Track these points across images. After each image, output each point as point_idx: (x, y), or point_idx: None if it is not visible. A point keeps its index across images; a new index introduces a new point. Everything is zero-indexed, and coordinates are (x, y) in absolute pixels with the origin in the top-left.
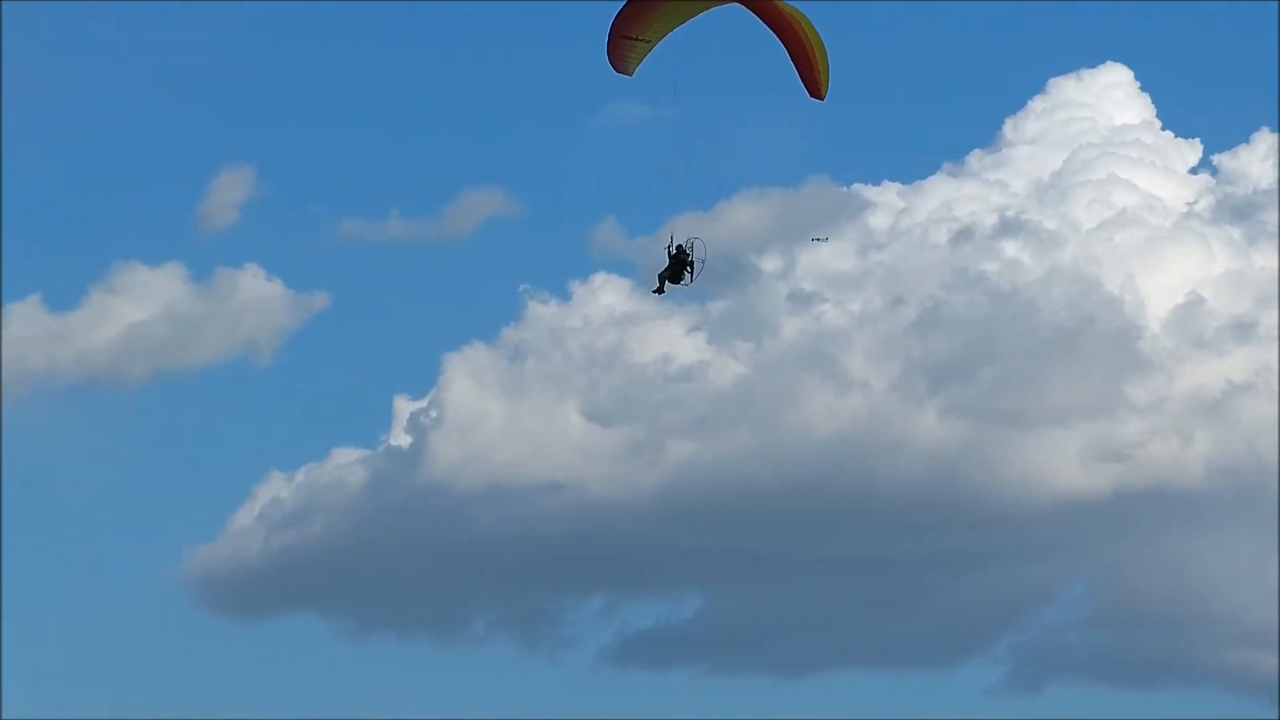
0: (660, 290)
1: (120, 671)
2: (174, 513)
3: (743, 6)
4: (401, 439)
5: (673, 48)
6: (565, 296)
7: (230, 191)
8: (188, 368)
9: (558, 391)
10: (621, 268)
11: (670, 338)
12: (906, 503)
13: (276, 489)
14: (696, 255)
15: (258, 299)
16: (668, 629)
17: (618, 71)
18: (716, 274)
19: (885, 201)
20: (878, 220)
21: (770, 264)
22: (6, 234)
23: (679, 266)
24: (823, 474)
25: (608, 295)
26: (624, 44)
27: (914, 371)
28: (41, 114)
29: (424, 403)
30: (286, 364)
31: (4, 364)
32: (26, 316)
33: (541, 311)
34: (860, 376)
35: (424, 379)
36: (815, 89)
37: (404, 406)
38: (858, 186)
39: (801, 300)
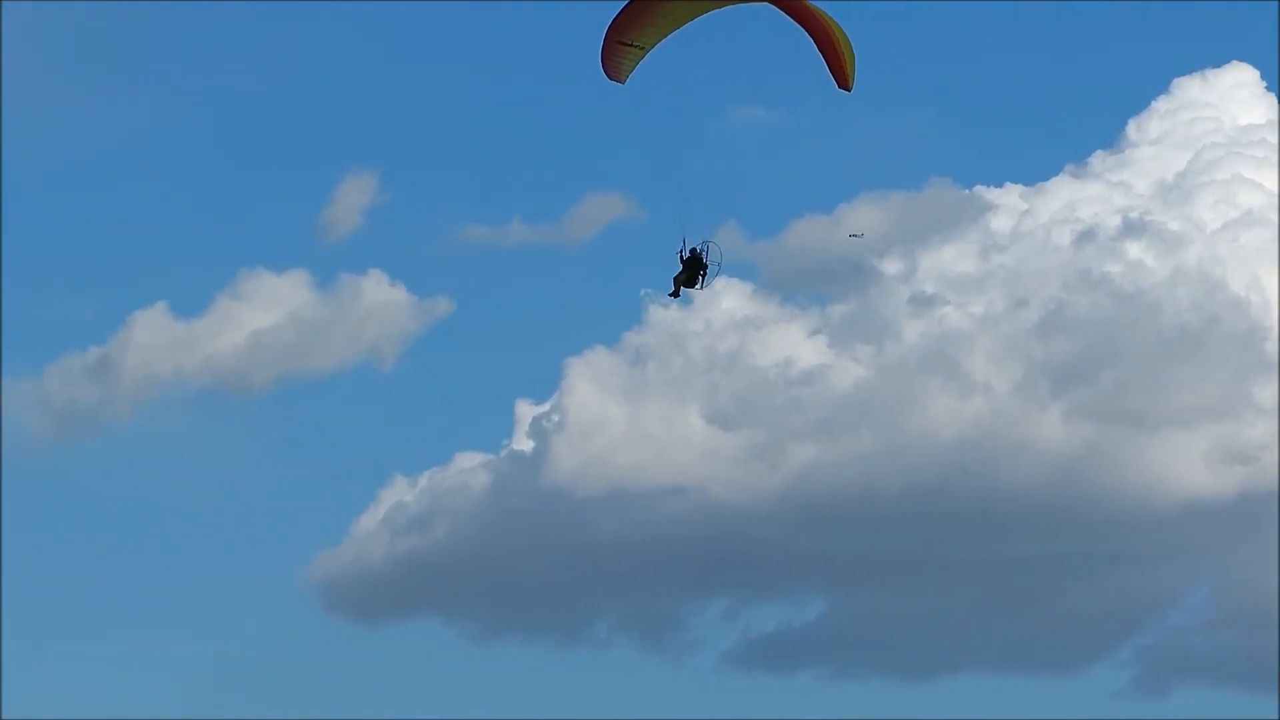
0: (676, 294)
1: (246, 676)
2: (299, 517)
3: (745, 6)
4: (524, 443)
5: (794, 51)
6: (686, 300)
7: (353, 197)
8: (312, 373)
9: (679, 395)
10: (743, 271)
11: (791, 341)
12: (1030, 505)
13: (400, 493)
14: (711, 258)
15: (381, 305)
16: (791, 632)
17: (610, 79)
18: (837, 276)
19: (1007, 203)
20: (1000, 222)
21: (891, 266)
22: (134, 241)
23: (694, 270)
24: (945, 477)
25: (729, 299)
26: (618, 50)
27: (1037, 374)
28: (166, 122)
29: (546, 407)
30: (410, 369)
31: (132, 370)
32: (153, 323)
33: (663, 315)
34: (982, 379)
35: (546, 383)
36: (843, 80)
37: (526, 411)
38: (979, 188)
39: (923, 303)
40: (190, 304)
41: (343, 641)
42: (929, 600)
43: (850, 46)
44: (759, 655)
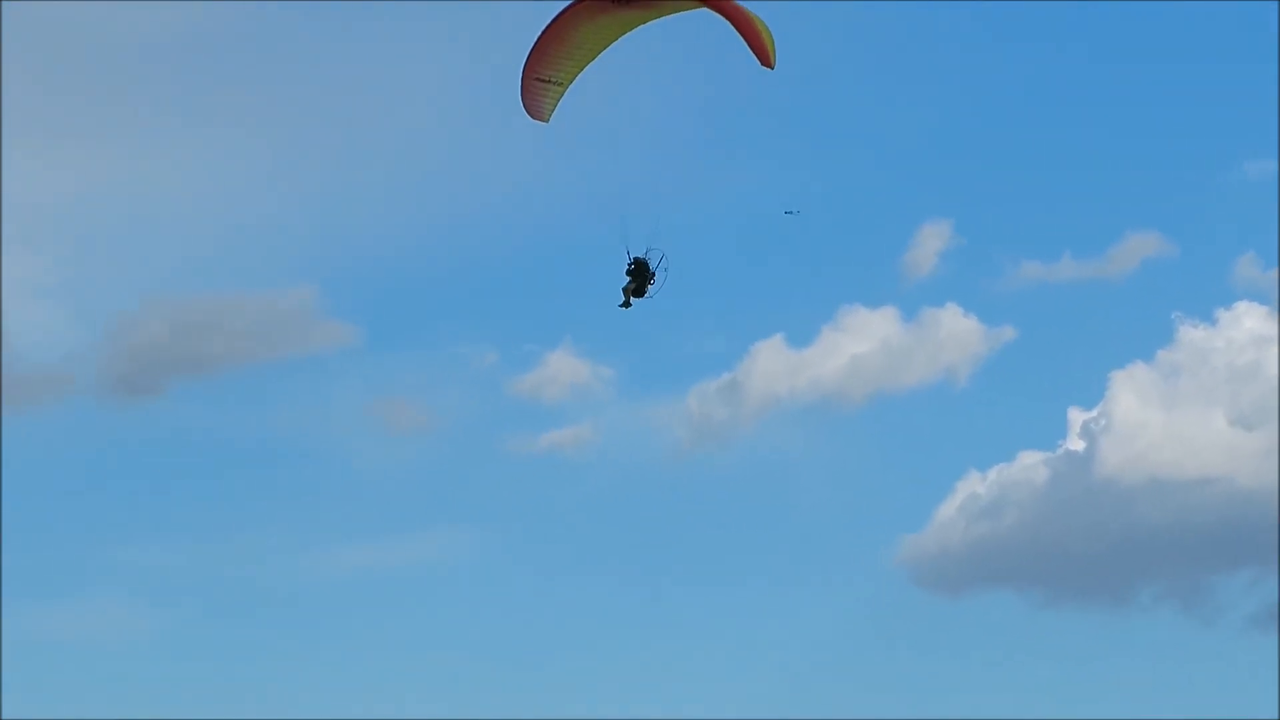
0: (627, 304)
1: (849, 642)
2: (889, 508)
3: (659, 20)
4: (1076, 443)
5: None
6: (1212, 322)
7: (931, 243)
8: (899, 390)
9: (1206, 401)
10: (1260, 296)
11: None
12: None
13: (973, 486)
14: (658, 266)
15: (957, 333)
16: None
17: (533, 118)
18: None
19: None
20: None
21: None
22: (756, 287)
23: (641, 279)
24: None
25: (1249, 319)
26: (536, 87)
27: None
28: (776, 187)
29: (1094, 413)
30: (980, 385)
31: (754, 391)
32: (772, 353)
33: (1192, 335)
34: None
35: (1094, 393)
36: (764, 59)
37: (1077, 416)
38: None
39: None
40: (802, 336)
41: (928, 611)
42: None
43: (768, 29)
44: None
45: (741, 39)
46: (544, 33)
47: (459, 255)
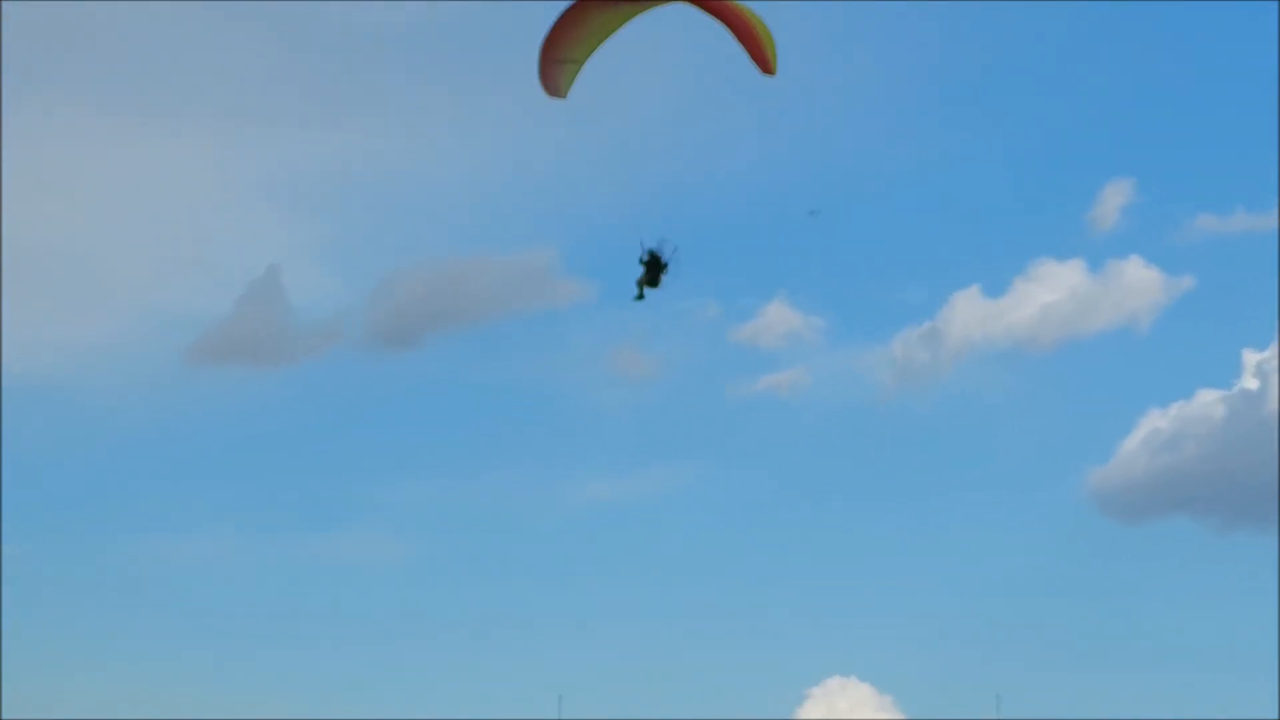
0: (640, 296)
1: (1039, 563)
2: (1077, 443)
3: (664, 7)
4: (1250, 382)
5: None
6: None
7: (1114, 200)
8: (1086, 335)
9: None
10: None
11: None
12: None
13: (1155, 422)
14: (668, 257)
15: (1139, 282)
16: None
17: (551, 95)
18: None
19: None
20: None
21: None
22: (954, 242)
23: (654, 271)
24: None
25: None
26: (555, 68)
27: None
28: (959, 156)
29: (1268, 353)
30: (1161, 330)
31: (953, 337)
32: (969, 302)
33: None
34: None
35: (1266, 335)
36: (765, 66)
37: (1251, 357)
38: None
39: None
40: (996, 286)
41: (1112, 535)
42: None
43: (769, 34)
44: None
45: (742, 46)
46: (558, 21)
47: (683, 218)
